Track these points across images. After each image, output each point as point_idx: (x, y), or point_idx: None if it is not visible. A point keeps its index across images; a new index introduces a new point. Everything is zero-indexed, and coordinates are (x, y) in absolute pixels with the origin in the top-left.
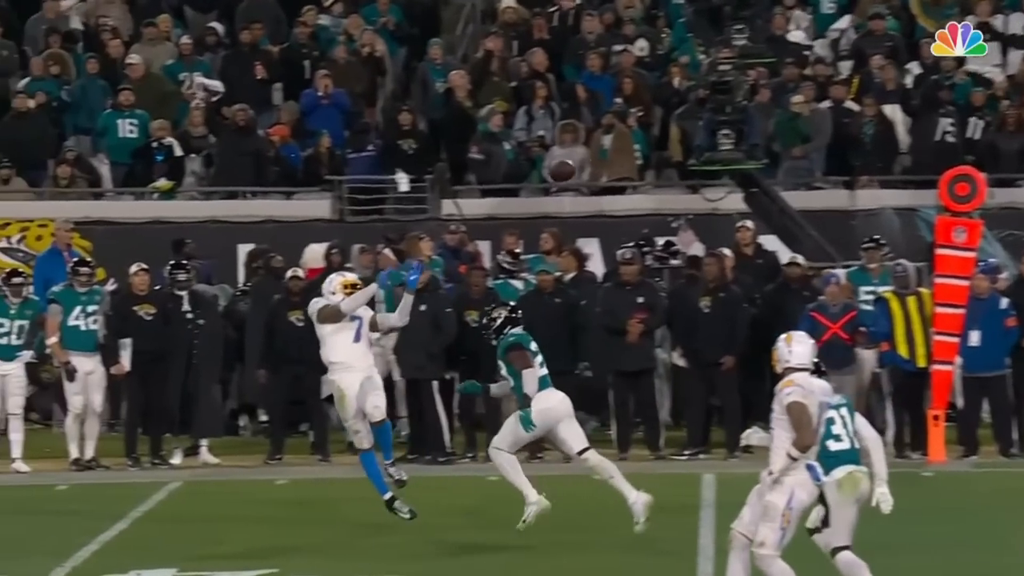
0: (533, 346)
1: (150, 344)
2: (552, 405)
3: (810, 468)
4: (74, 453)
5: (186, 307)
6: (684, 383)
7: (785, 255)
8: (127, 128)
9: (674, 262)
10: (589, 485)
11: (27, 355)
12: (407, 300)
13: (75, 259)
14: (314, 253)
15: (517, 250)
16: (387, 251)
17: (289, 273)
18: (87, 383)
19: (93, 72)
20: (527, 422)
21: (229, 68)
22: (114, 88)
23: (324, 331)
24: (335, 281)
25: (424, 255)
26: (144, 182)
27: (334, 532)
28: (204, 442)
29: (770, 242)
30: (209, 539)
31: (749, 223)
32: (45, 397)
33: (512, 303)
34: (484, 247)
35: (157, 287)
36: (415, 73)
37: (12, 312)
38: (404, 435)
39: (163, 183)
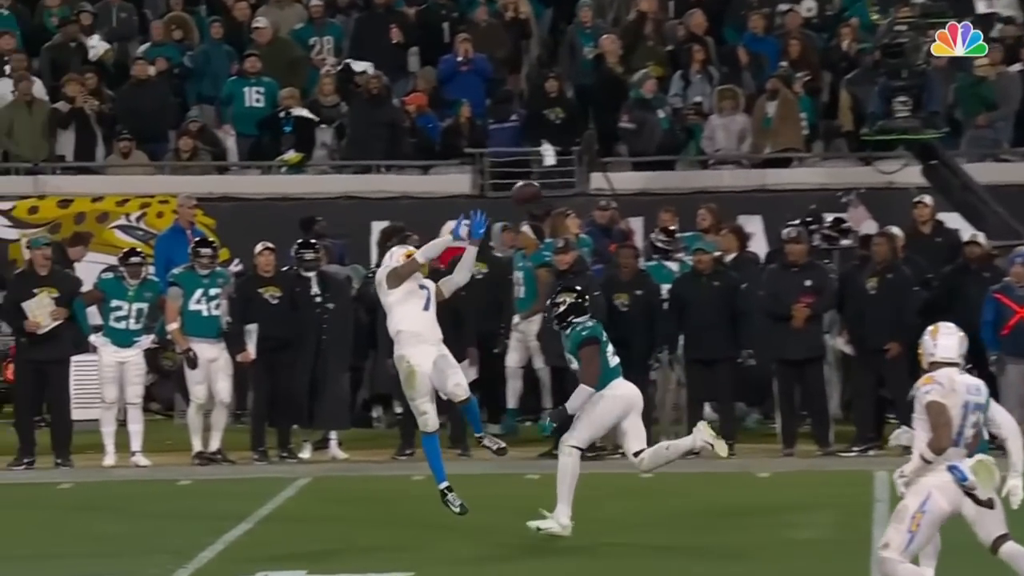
0: (604, 336)
1: (276, 329)
2: (628, 392)
3: (952, 469)
4: (197, 446)
5: (315, 290)
6: (853, 373)
7: (967, 233)
8: (253, 97)
9: (844, 241)
10: (742, 487)
11: (146, 341)
12: (470, 253)
13: (197, 238)
14: None
15: (672, 228)
16: (527, 229)
17: None
18: (210, 371)
19: (217, 37)
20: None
21: (362, 32)
22: (240, 54)
23: (391, 298)
24: (396, 253)
25: (571, 233)
26: (271, 155)
27: (474, 532)
28: (333, 435)
29: (951, 219)
30: (340, 539)
31: (927, 199)
32: (166, 386)
33: (579, 288)
34: (636, 224)
35: (284, 268)
36: (562, 37)
37: (130, 294)
38: None
39: (292, 156)
